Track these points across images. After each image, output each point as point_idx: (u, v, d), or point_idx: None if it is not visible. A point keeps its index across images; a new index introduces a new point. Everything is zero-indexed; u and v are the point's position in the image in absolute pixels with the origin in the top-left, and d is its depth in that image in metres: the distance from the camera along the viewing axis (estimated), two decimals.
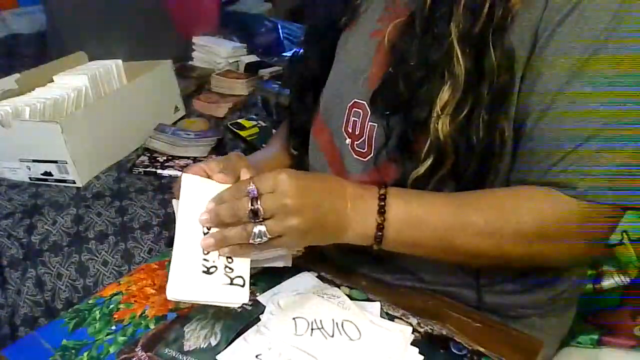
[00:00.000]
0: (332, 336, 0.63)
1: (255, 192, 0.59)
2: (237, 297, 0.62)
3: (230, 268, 0.63)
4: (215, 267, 0.63)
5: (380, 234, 0.63)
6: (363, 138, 0.73)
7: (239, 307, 0.67)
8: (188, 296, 0.61)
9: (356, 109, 0.74)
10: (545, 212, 0.62)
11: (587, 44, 0.58)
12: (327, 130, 0.80)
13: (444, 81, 0.62)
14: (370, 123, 0.72)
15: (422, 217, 0.64)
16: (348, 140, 0.75)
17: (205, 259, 0.63)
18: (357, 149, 0.74)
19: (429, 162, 0.64)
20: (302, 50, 0.89)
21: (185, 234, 0.64)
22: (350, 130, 0.75)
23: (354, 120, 0.74)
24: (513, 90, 0.62)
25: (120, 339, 0.66)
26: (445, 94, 0.62)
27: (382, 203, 0.63)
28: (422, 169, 0.65)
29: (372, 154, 0.72)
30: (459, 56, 0.61)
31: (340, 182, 0.65)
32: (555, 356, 0.80)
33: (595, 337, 0.82)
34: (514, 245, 0.63)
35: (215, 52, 2.12)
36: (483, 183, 0.65)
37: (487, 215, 0.63)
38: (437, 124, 0.62)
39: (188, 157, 1.48)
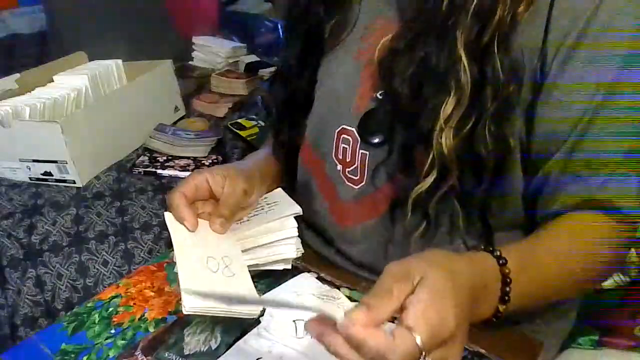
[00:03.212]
0: None
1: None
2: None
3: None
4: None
5: (495, 318, 0.58)
6: (355, 165, 0.71)
7: None
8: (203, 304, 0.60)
9: (345, 136, 0.72)
10: (612, 241, 0.63)
11: (608, 67, 0.58)
12: (316, 157, 0.78)
13: (447, 92, 0.60)
14: (361, 151, 0.70)
15: (536, 292, 0.62)
16: (339, 167, 0.74)
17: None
18: (349, 175, 0.73)
19: (432, 177, 0.62)
20: (283, 69, 0.84)
21: (186, 257, 0.65)
22: (340, 157, 0.73)
23: (343, 147, 0.73)
24: (518, 102, 0.62)
25: (120, 342, 0.66)
26: (449, 106, 0.60)
27: (507, 288, 0.56)
28: (425, 186, 0.62)
29: (364, 182, 0.71)
30: (466, 66, 0.59)
31: (464, 284, 0.50)
32: (555, 358, 0.80)
33: (595, 338, 0.82)
34: (598, 278, 0.68)
35: (215, 52, 2.12)
36: (489, 197, 0.64)
37: (582, 263, 0.62)
38: (441, 137, 0.60)
39: (188, 157, 1.47)
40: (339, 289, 0.72)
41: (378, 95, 0.68)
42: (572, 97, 0.60)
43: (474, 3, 0.59)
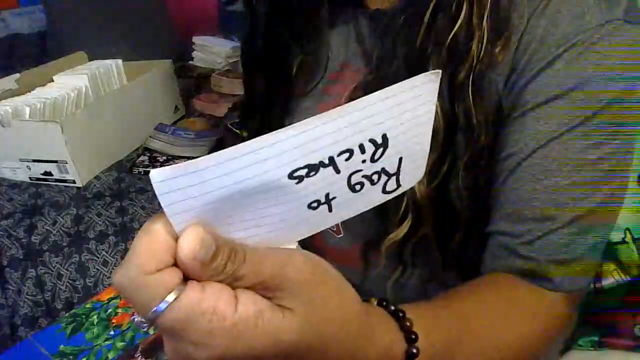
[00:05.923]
0: None
1: None
2: None
3: None
4: None
5: None
6: None
7: None
8: None
9: None
10: (544, 320, 0.54)
11: (557, 126, 0.52)
12: None
13: None
14: None
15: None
16: None
17: None
18: None
19: (407, 224, 0.57)
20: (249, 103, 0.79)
21: None
22: None
23: None
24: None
25: (119, 344, 0.66)
26: None
27: None
28: (401, 233, 0.58)
29: (342, 234, 0.68)
30: (438, 107, 0.53)
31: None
32: None
33: (596, 338, 0.82)
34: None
35: (215, 52, 2.12)
36: (466, 242, 0.60)
37: (498, 346, 0.51)
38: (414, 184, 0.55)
39: (188, 157, 1.47)
40: None
41: None
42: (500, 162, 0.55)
43: (450, 36, 0.53)
